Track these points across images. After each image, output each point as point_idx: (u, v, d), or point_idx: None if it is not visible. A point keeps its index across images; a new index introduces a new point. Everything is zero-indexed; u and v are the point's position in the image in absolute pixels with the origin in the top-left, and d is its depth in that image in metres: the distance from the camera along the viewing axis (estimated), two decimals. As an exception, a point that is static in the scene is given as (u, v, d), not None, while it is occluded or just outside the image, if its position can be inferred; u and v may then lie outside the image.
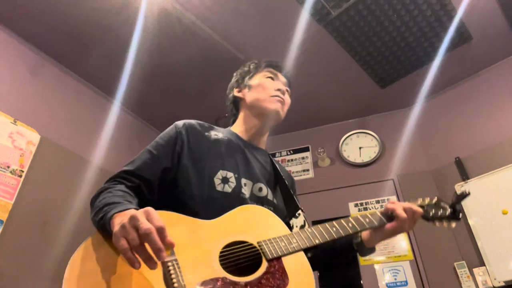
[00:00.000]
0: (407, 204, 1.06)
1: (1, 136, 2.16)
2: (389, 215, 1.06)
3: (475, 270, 2.32)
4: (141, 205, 0.84)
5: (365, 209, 2.83)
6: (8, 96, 2.30)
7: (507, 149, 2.49)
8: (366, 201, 2.86)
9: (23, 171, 2.19)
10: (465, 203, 2.48)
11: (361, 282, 2.60)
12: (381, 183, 2.91)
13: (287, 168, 3.27)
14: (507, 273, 2.20)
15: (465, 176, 2.58)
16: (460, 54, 2.69)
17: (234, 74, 1.40)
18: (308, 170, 3.22)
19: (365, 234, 1.09)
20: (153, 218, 0.73)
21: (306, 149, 3.33)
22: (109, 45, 2.54)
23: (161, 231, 0.72)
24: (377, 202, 2.83)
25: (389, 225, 1.04)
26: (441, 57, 2.68)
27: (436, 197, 1.18)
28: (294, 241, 0.93)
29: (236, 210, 0.98)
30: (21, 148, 2.22)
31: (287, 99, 1.31)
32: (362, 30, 2.50)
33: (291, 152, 3.35)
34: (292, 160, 3.32)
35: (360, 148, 3.12)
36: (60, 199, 2.35)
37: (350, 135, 3.18)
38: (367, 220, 1.04)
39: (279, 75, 1.33)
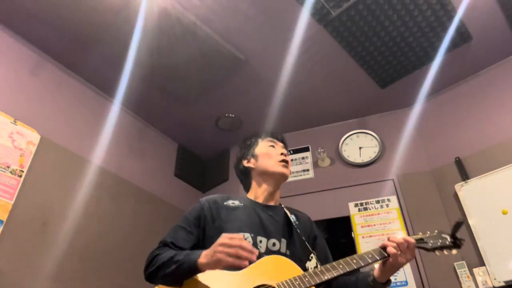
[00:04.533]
0: (399, 239, 1.21)
1: (1, 136, 2.16)
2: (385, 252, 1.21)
3: (475, 270, 2.32)
4: None
5: (365, 209, 2.83)
6: (8, 96, 2.30)
7: (507, 149, 2.49)
8: (366, 201, 2.86)
9: (23, 171, 2.19)
10: (465, 203, 2.48)
11: None
12: (381, 183, 2.90)
13: (287, 168, 3.26)
14: (507, 273, 2.20)
15: (465, 176, 2.58)
16: (460, 54, 2.69)
17: (238, 147, 1.63)
18: (308, 170, 3.22)
19: (376, 271, 1.25)
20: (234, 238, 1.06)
21: (306, 149, 3.33)
22: (109, 45, 2.54)
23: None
24: (377, 202, 2.83)
25: (388, 260, 1.19)
26: (441, 57, 2.67)
27: (436, 230, 1.34)
28: (306, 279, 1.13)
29: (260, 260, 1.18)
30: (21, 148, 2.22)
31: (289, 160, 1.52)
32: (362, 30, 2.50)
33: (291, 152, 3.35)
34: (292, 160, 3.31)
35: (360, 148, 3.12)
36: (60, 199, 2.35)
37: (350, 135, 3.18)
38: (370, 256, 1.20)
39: (277, 142, 1.56)
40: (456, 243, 1.27)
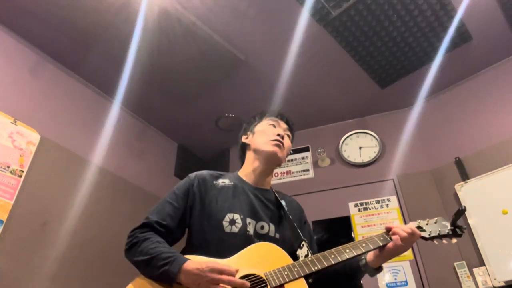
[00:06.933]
0: (405, 226, 1.17)
1: (1, 136, 2.16)
2: (388, 237, 1.17)
3: (475, 270, 2.32)
4: None
5: (365, 209, 2.83)
6: (8, 96, 2.30)
7: (507, 149, 2.49)
8: (366, 201, 2.86)
9: (23, 171, 2.19)
10: (465, 203, 2.48)
11: (361, 282, 2.60)
12: (381, 183, 2.91)
13: (287, 168, 3.27)
14: (507, 273, 2.20)
15: (465, 176, 2.58)
16: (460, 54, 2.69)
17: (244, 125, 1.61)
18: (308, 170, 3.22)
19: (369, 256, 1.21)
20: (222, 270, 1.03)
21: (306, 149, 3.33)
22: (109, 45, 2.54)
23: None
24: (377, 202, 2.83)
25: (388, 245, 1.15)
26: (441, 57, 2.68)
27: (436, 218, 1.24)
28: (296, 269, 1.10)
29: (249, 248, 1.16)
30: (21, 148, 2.22)
31: (287, 142, 1.50)
32: (362, 30, 2.50)
33: (291, 152, 3.32)
34: (292, 160, 3.32)
35: (360, 148, 3.12)
36: (60, 199, 2.35)
37: (350, 135, 3.18)
38: (364, 244, 1.16)
39: (280, 122, 1.53)
40: (456, 232, 1.18)
